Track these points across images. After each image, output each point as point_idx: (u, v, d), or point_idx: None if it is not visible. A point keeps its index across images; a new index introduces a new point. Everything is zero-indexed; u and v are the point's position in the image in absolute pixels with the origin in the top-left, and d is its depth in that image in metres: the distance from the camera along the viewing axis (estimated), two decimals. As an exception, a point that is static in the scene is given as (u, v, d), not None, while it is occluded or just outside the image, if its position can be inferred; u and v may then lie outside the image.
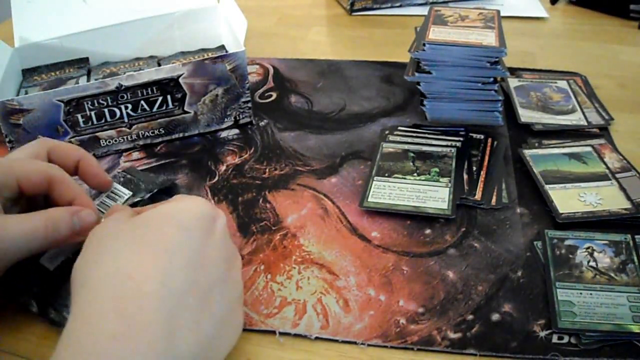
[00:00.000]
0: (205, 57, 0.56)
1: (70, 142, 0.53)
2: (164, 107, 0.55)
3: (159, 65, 0.62)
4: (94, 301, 0.28)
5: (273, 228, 0.46)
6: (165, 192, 0.48)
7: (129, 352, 0.26)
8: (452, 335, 0.37)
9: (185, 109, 0.56)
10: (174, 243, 0.31)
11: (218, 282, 0.32)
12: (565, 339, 0.36)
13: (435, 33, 0.55)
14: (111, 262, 0.30)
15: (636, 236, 0.43)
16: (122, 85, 0.52)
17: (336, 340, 0.37)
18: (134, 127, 0.55)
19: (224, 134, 0.58)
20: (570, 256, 0.42)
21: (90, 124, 0.53)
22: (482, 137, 0.55)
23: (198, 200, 0.35)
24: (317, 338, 0.37)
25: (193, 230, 0.33)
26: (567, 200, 0.46)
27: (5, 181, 0.37)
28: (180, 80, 0.54)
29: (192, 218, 0.33)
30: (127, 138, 0.55)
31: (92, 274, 0.30)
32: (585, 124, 0.57)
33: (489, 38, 0.54)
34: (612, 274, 0.40)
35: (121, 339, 0.26)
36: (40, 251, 0.37)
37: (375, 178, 0.50)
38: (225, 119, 0.58)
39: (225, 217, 0.37)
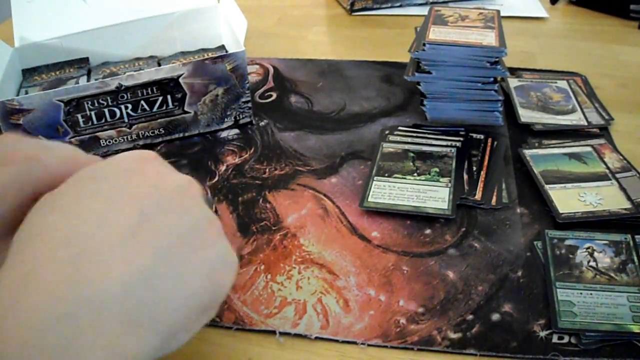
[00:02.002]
0: (205, 57, 0.56)
1: (70, 142, 0.53)
2: (164, 107, 0.55)
3: (159, 65, 0.62)
4: (58, 253, 0.24)
5: (273, 228, 0.46)
6: None
7: None
8: (452, 335, 0.37)
9: (185, 109, 0.56)
10: (97, 213, 0.26)
11: (169, 252, 0.26)
12: (565, 339, 0.36)
13: (435, 33, 0.55)
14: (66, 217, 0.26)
15: (636, 236, 0.43)
16: (122, 85, 0.52)
17: (336, 340, 0.37)
18: (134, 127, 0.55)
19: (224, 134, 0.58)
20: (570, 256, 0.42)
21: (90, 124, 0.53)
22: (482, 137, 0.55)
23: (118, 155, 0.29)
24: (317, 338, 0.37)
25: (114, 176, 0.28)
26: (567, 200, 0.46)
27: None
28: (180, 80, 0.54)
29: (110, 170, 0.28)
30: (127, 138, 0.55)
31: (45, 225, 0.26)
32: (585, 124, 0.57)
33: (489, 38, 0.54)
34: (612, 274, 0.40)
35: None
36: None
37: (375, 178, 0.50)
38: (225, 119, 0.58)
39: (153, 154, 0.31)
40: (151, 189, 0.28)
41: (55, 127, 0.52)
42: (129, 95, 0.53)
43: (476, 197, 0.48)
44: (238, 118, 0.59)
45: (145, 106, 0.54)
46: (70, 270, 0.23)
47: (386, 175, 0.50)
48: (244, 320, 0.38)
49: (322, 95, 0.65)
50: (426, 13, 0.61)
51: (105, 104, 0.52)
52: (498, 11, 0.60)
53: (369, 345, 0.37)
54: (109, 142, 0.55)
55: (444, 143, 0.54)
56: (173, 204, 0.28)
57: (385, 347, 0.37)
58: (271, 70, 0.71)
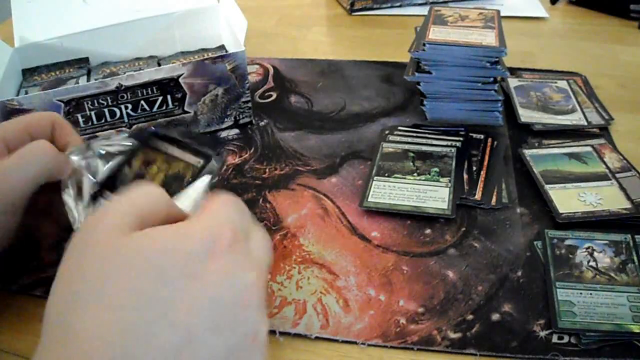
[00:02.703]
0: (205, 57, 0.56)
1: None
2: (164, 107, 0.55)
3: (159, 65, 0.62)
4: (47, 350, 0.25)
5: (273, 228, 0.46)
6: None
7: None
8: (452, 335, 0.37)
9: (185, 109, 0.56)
10: (141, 290, 0.26)
11: (204, 335, 0.26)
12: (565, 339, 0.36)
13: (435, 33, 0.55)
14: (70, 304, 0.26)
15: (636, 236, 0.43)
16: (122, 85, 0.52)
17: (336, 340, 0.37)
18: (134, 127, 0.55)
19: (224, 134, 0.58)
20: (570, 256, 0.42)
21: (90, 124, 0.53)
22: (482, 137, 0.55)
23: (197, 224, 0.29)
24: (317, 338, 0.37)
25: (174, 276, 0.27)
26: (567, 200, 0.46)
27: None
28: (180, 80, 0.54)
29: (176, 260, 0.27)
30: (127, 138, 0.55)
31: (50, 325, 0.26)
32: (585, 124, 0.57)
33: (489, 38, 0.54)
34: (612, 274, 0.40)
35: None
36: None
37: (375, 178, 0.50)
38: (225, 119, 0.58)
39: (235, 230, 0.30)
40: (206, 303, 0.27)
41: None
42: (129, 95, 0.53)
43: (476, 197, 0.48)
44: (238, 118, 0.59)
45: (145, 106, 0.54)
46: None
47: (386, 175, 0.50)
48: (244, 320, 0.38)
49: (322, 95, 0.65)
50: (426, 13, 0.61)
51: (105, 104, 0.52)
52: (498, 11, 0.60)
53: (369, 345, 0.37)
54: (109, 142, 0.55)
55: (444, 143, 0.54)
56: (225, 322, 0.27)
57: (385, 347, 0.37)
58: (271, 70, 0.71)
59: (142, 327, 0.25)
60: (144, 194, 0.30)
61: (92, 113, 0.52)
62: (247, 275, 0.29)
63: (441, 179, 0.49)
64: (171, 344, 0.26)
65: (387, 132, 0.57)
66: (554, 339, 0.36)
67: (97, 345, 0.25)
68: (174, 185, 0.36)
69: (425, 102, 0.56)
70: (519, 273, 0.41)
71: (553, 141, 0.55)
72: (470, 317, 0.38)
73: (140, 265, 0.27)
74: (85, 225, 0.29)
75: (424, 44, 0.54)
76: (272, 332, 0.38)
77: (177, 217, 0.31)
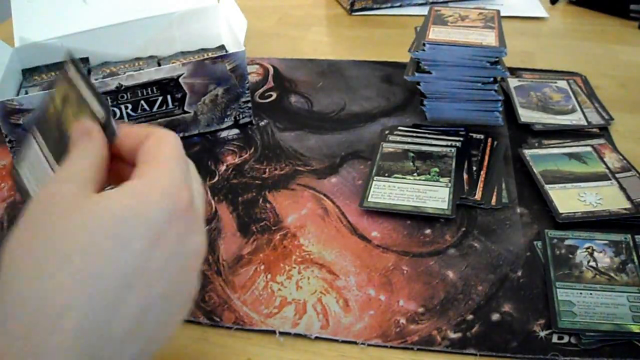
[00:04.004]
0: (205, 57, 0.56)
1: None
2: (164, 107, 0.55)
3: (159, 65, 0.62)
4: (8, 332, 0.25)
5: (273, 228, 0.46)
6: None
7: None
8: (452, 335, 0.37)
9: (185, 109, 0.56)
10: (106, 261, 0.27)
11: (156, 299, 0.28)
12: (565, 339, 0.36)
13: (435, 33, 0.55)
14: (33, 278, 0.26)
15: (636, 236, 0.43)
16: (122, 85, 0.52)
17: (336, 340, 0.37)
18: (134, 127, 0.55)
19: (224, 134, 0.58)
20: (570, 256, 0.42)
21: (90, 124, 0.53)
22: (482, 137, 0.55)
23: (155, 189, 0.29)
24: (317, 338, 0.37)
25: (134, 242, 0.27)
26: (567, 200, 0.46)
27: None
28: (180, 80, 0.54)
29: (137, 224, 0.28)
30: (127, 138, 0.55)
31: (12, 286, 0.26)
32: (585, 124, 0.57)
33: (489, 38, 0.54)
34: (612, 274, 0.40)
35: None
36: None
37: (375, 178, 0.50)
38: (225, 119, 0.58)
39: (187, 196, 0.31)
40: (163, 269, 0.29)
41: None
42: (129, 95, 0.53)
43: (476, 197, 0.48)
44: (238, 118, 0.59)
45: (145, 106, 0.54)
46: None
47: (386, 175, 0.50)
48: (243, 320, 0.38)
49: (322, 95, 0.65)
50: (426, 13, 0.61)
51: (105, 104, 0.52)
52: (498, 11, 0.60)
53: (369, 345, 0.37)
54: (109, 142, 0.55)
55: (444, 143, 0.54)
56: (176, 287, 0.29)
57: (385, 347, 0.37)
58: (271, 70, 0.71)
59: (108, 294, 0.26)
60: (93, 154, 0.31)
61: (92, 113, 0.52)
62: (197, 239, 0.31)
63: (441, 179, 0.49)
64: (134, 310, 0.27)
65: (387, 132, 0.57)
66: (554, 339, 0.36)
67: (66, 314, 0.25)
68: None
69: (425, 102, 0.56)
70: (519, 273, 0.41)
71: (553, 141, 0.55)
72: (470, 317, 0.38)
73: (103, 232, 0.27)
74: (54, 178, 0.30)
75: (424, 44, 0.53)
76: (272, 332, 0.38)
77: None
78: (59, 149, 0.35)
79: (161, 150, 0.31)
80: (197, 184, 0.33)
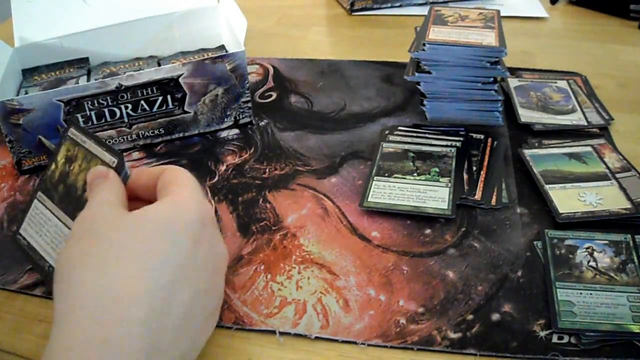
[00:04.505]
0: (205, 57, 0.56)
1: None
2: (164, 107, 0.55)
3: (159, 65, 0.62)
4: (78, 322, 0.27)
5: (273, 228, 0.46)
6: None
7: None
8: (452, 335, 0.37)
9: (185, 109, 0.56)
10: (162, 258, 0.30)
11: (201, 294, 0.32)
12: (565, 339, 0.36)
13: (435, 33, 0.55)
14: (97, 273, 0.29)
15: (636, 236, 0.43)
16: (122, 85, 0.52)
17: (336, 340, 0.37)
18: (134, 127, 0.55)
19: (224, 134, 0.58)
20: (570, 256, 0.42)
21: (90, 124, 0.53)
22: (482, 137, 0.55)
23: (189, 200, 0.34)
24: (317, 338, 0.37)
25: (182, 241, 0.31)
26: (567, 200, 0.46)
27: None
28: (180, 80, 0.54)
29: (182, 227, 0.32)
30: (127, 138, 0.55)
31: (76, 282, 0.29)
32: (585, 124, 0.57)
33: (489, 38, 0.54)
34: (612, 274, 0.40)
35: None
36: None
37: (375, 178, 0.50)
38: (225, 119, 0.58)
39: (212, 209, 0.36)
40: (204, 266, 0.33)
41: (55, 127, 0.52)
42: (129, 95, 0.53)
43: (476, 197, 0.48)
44: (238, 118, 0.59)
45: (145, 106, 0.54)
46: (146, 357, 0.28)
47: (386, 175, 0.50)
48: (244, 320, 0.38)
49: (322, 95, 0.65)
50: (426, 13, 0.61)
51: (105, 104, 0.52)
52: (498, 11, 0.60)
53: (369, 345, 0.37)
54: (109, 142, 0.55)
55: (444, 143, 0.54)
56: (212, 285, 0.34)
57: (385, 347, 0.37)
58: (271, 70, 0.71)
59: (166, 287, 0.29)
60: (113, 189, 0.35)
61: (92, 113, 0.52)
62: (223, 245, 0.36)
63: (441, 179, 0.49)
64: (186, 302, 0.30)
65: (387, 132, 0.57)
66: (554, 339, 0.36)
67: (132, 305, 0.28)
68: None
69: (425, 102, 0.56)
70: (519, 273, 0.41)
71: (553, 141, 0.55)
72: (470, 317, 0.38)
73: (155, 234, 0.31)
74: (88, 206, 0.33)
75: (424, 44, 0.53)
76: (272, 332, 0.38)
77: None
78: (68, 202, 0.38)
79: (180, 177, 0.36)
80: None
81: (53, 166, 0.40)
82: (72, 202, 0.37)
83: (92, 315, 0.27)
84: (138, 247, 0.30)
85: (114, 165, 0.36)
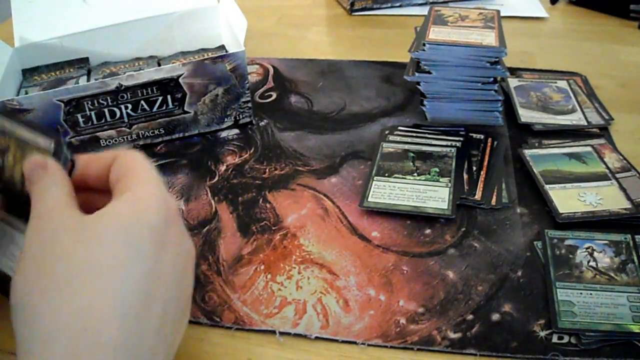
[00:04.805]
0: (205, 57, 0.56)
1: (70, 142, 0.53)
2: (164, 107, 0.55)
3: (159, 65, 0.62)
4: (47, 356, 0.25)
5: (273, 228, 0.46)
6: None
7: None
8: (452, 335, 0.37)
9: (185, 109, 0.56)
10: (128, 270, 0.27)
11: (172, 300, 0.29)
12: (565, 339, 0.36)
13: (435, 33, 0.55)
14: (59, 298, 0.26)
15: (636, 236, 0.43)
16: (122, 85, 0.52)
17: (336, 340, 0.37)
18: (134, 127, 0.55)
19: (224, 134, 0.58)
20: (570, 256, 0.42)
21: (90, 124, 0.53)
22: (482, 137, 0.55)
23: (149, 196, 0.30)
24: (317, 338, 0.37)
25: (146, 248, 0.28)
26: (567, 200, 0.46)
27: None
28: (180, 80, 0.54)
29: (145, 231, 0.28)
30: (127, 138, 0.55)
31: (38, 310, 0.26)
32: (585, 124, 0.57)
33: (489, 38, 0.54)
34: (612, 274, 0.40)
35: None
36: None
37: (375, 178, 0.50)
38: (225, 119, 0.58)
39: (174, 202, 0.32)
40: (172, 272, 0.30)
41: (55, 127, 0.52)
42: (129, 95, 0.53)
43: (476, 197, 0.48)
44: (238, 118, 0.59)
45: (145, 106, 0.54)
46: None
47: (386, 175, 0.50)
48: (244, 320, 0.38)
49: (322, 95, 0.65)
50: (426, 13, 0.61)
51: (105, 104, 0.52)
52: (498, 11, 0.60)
53: (369, 345, 0.37)
54: (109, 142, 0.55)
55: (444, 143, 0.54)
56: (181, 287, 0.31)
57: (385, 347, 0.37)
58: (271, 70, 0.71)
59: (136, 303, 0.27)
60: (56, 182, 0.31)
61: (92, 113, 0.52)
62: (189, 241, 0.32)
63: (441, 179, 0.49)
64: (158, 315, 0.28)
65: (387, 132, 0.57)
66: (554, 339, 0.36)
67: (103, 329, 0.25)
68: None
69: (425, 102, 0.56)
70: (519, 273, 0.41)
71: (553, 141, 0.55)
72: (470, 317, 0.38)
73: (116, 243, 0.28)
74: (37, 213, 0.30)
75: (424, 44, 0.53)
76: (272, 332, 0.38)
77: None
78: (11, 200, 0.34)
79: (136, 165, 0.32)
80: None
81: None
82: (14, 198, 0.33)
83: (63, 347, 0.25)
84: (101, 260, 0.27)
85: (51, 151, 0.33)
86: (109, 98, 0.52)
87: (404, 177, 0.50)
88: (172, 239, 0.30)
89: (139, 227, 0.28)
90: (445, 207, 0.46)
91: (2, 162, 0.34)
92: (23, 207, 0.32)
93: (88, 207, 0.31)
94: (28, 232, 0.29)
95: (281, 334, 0.38)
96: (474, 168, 0.51)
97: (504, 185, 0.49)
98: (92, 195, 0.33)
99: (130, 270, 0.27)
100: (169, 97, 0.54)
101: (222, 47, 0.66)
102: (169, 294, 0.29)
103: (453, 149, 0.53)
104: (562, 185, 0.48)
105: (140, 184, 0.31)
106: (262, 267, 0.43)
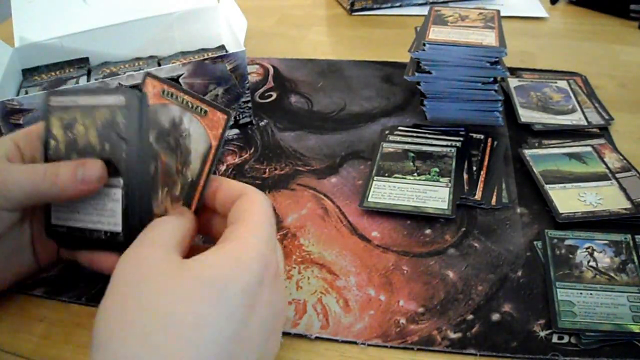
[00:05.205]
0: (205, 57, 0.56)
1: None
2: (164, 107, 0.55)
3: (159, 65, 0.62)
4: None
5: (273, 228, 0.46)
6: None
7: None
8: (452, 335, 0.37)
9: (185, 109, 0.56)
10: (213, 331, 0.26)
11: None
12: (565, 339, 0.36)
13: (435, 33, 0.55)
14: (139, 346, 0.25)
15: (636, 236, 0.43)
16: (122, 85, 0.52)
17: (336, 340, 0.37)
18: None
19: (224, 134, 0.58)
20: (570, 256, 0.42)
21: (90, 124, 0.53)
22: (482, 137, 0.55)
23: (251, 254, 0.29)
24: (317, 338, 0.37)
25: (237, 311, 0.27)
26: (567, 200, 0.46)
27: None
28: (181, 80, 0.54)
29: (239, 291, 0.27)
30: (127, 138, 0.55)
31: (116, 353, 0.25)
32: (585, 124, 0.57)
33: (489, 38, 0.54)
34: (612, 274, 0.40)
35: None
36: (45, 199, 0.36)
37: (375, 178, 0.50)
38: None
39: (276, 259, 0.32)
40: (258, 335, 0.29)
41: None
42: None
43: (476, 197, 0.48)
44: (238, 118, 0.59)
45: (145, 106, 0.54)
46: None
47: (386, 175, 0.50)
48: (244, 320, 0.38)
49: (322, 95, 0.65)
50: (426, 13, 0.61)
51: (105, 104, 0.52)
52: (498, 11, 0.60)
53: (369, 345, 0.37)
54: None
55: (444, 143, 0.54)
56: (266, 349, 0.30)
57: (385, 347, 0.37)
58: (271, 70, 0.71)
59: None
60: (181, 224, 0.32)
61: (92, 113, 0.52)
62: (280, 304, 0.32)
63: (441, 179, 0.49)
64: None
65: (387, 132, 0.57)
66: (554, 339, 0.36)
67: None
68: (112, 134, 0.35)
69: (425, 102, 0.56)
70: (519, 273, 0.41)
71: (553, 141, 0.55)
72: (470, 317, 0.38)
73: (204, 298, 0.27)
74: (132, 256, 0.29)
75: (424, 44, 0.53)
76: (272, 332, 0.38)
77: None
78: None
79: (253, 213, 0.32)
80: (278, 244, 0.34)
81: (52, 142, 0.37)
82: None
83: None
84: (187, 317, 0.26)
85: (122, 104, 0.33)
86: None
87: (404, 177, 0.50)
88: (264, 300, 0.29)
89: (233, 288, 0.27)
90: (445, 207, 0.46)
91: (72, 135, 0.36)
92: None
93: (207, 227, 0.35)
94: (120, 263, 0.29)
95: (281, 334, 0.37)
96: (474, 168, 0.51)
97: (504, 185, 0.49)
98: (214, 217, 0.35)
99: (214, 332, 0.26)
100: (169, 97, 0.54)
101: (222, 47, 0.66)
102: (252, 356, 0.28)
103: (453, 149, 0.53)
104: (562, 185, 0.48)
105: (248, 237, 0.30)
106: (262, 267, 0.43)
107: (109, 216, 0.36)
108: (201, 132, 0.35)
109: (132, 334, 0.26)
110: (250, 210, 0.32)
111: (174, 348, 0.25)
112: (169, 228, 0.31)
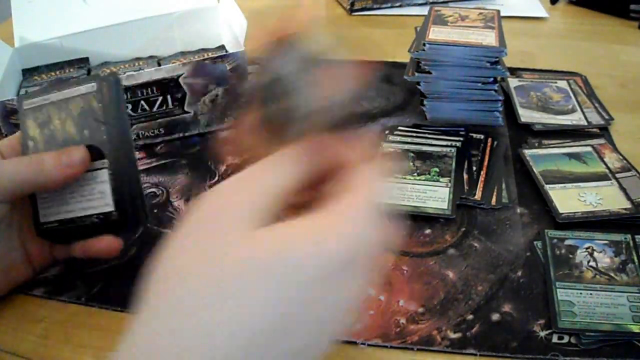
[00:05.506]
0: (205, 57, 0.56)
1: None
2: (164, 107, 0.55)
3: (159, 65, 0.62)
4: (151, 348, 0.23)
5: (273, 228, 0.46)
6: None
7: None
8: (452, 335, 0.37)
9: (185, 109, 0.56)
10: (259, 308, 0.23)
11: (302, 350, 0.25)
12: (565, 339, 0.36)
13: (435, 33, 0.55)
14: (186, 310, 0.23)
15: (636, 236, 0.43)
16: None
17: (336, 340, 0.37)
18: (134, 126, 0.55)
19: (224, 134, 0.58)
20: (570, 256, 0.42)
21: (90, 124, 0.53)
22: (482, 137, 0.55)
23: (334, 243, 0.25)
24: (317, 338, 0.37)
25: (299, 291, 0.24)
26: (567, 200, 0.46)
27: None
28: (180, 80, 0.54)
29: (301, 282, 0.24)
30: (127, 138, 0.55)
31: (165, 298, 0.24)
32: (585, 124, 0.57)
33: (489, 38, 0.54)
34: (612, 274, 0.40)
35: None
36: (33, 187, 0.37)
37: (375, 178, 0.50)
38: (225, 119, 0.58)
39: (371, 244, 0.27)
40: (312, 328, 0.25)
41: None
42: (129, 95, 0.53)
43: (476, 197, 0.48)
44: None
45: (145, 106, 0.54)
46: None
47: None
48: (244, 320, 0.38)
49: (322, 95, 0.65)
50: (426, 13, 0.61)
51: (105, 104, 0.52)
52: (498, 11, 0.60)
53: (369, 345, 0.37)
54: (109, 142, 0.55)
55: (444, 143, 0.54)
56: (317, 343, 0.26)
57: (385, 347, 0.37)
58: (271, 70, 0.70)
59: (269, 347, 0.23)
60: (284, 179, 0.27)
61: (92, 113, 0.52)
62: (352, 300, 0.27)
63: (441, 179, 0.49)
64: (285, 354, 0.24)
65: (387, 132, 0.57)
66: (554, 339, 0.36)
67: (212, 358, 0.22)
68: (89, 120, 0.36)
69: (425, 102, 0.56)
70: (519, 273, 0.41)
71: (553, 141, 0.55)
72: (470, 317, 0.38)
73: (271, 278, 0.24)
74: (204, 209, 0.26)
75: (424, 44, 0.53)
76: (272, 332, 0.38)
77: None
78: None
79: (361, 187, 0.27)
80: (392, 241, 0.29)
81: (31, 144, 0.37)
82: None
83: (174, 355, 0.22)
84: (237, 291, 0.23)
85: (94, 90, 0.34)
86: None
87: (404, 177, 0.50)
88: (330, 289, 0.25)
89: (295, 277, 0.24)
90: (445, 207, 0.46)
91: (50, 132, 0.37)
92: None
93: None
94: (198, 203, 0.26)
95: (281, 334, 0.37)
96: (474, 168, 0.51)
97: (504, 185, 0.49)
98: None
99: (260, 312, 0.23)
100: (168, 97, 0.54)
101: (222, 47, 0.66)
102: (290, 344, 0.24)
103: (453, 149, 0.53)
104: (562, 185, 0.48)
105: (340, 221, 0.26)
106: (262, 267, 0.42)
107: (99, 199, 0.37)
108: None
109: (179, 298, 0.24)
110: (360, 184, 0.27)
111: (217, 325, 0.23)
112: (268, 184, 0.27)
